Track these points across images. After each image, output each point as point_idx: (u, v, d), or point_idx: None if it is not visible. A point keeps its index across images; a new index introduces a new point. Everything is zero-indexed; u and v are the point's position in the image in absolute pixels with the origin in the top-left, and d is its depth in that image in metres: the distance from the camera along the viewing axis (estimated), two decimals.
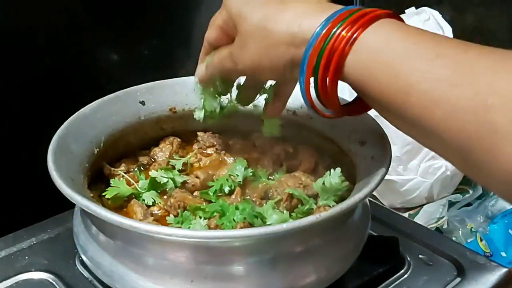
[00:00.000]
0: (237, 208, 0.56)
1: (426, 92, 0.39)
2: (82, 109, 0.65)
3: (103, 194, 0.61)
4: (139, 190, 0.63)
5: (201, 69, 0.59)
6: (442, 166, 1.11)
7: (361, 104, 0.50)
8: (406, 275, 0.66)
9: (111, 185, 0.62)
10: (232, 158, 0.70)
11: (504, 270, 0.67)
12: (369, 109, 0.51)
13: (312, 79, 0.46)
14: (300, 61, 0.46)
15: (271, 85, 0.60)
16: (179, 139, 0.73)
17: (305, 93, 0.47)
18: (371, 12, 0.44)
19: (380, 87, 0.42)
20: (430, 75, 0.39)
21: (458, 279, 0.65)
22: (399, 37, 0.42)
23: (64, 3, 0.81)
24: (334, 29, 0.43)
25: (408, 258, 0.68)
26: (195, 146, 0.73)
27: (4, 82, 0.79)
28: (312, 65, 0.45)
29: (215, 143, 0.72)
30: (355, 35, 0.43)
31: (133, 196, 0.62)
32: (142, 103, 0.71)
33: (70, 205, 0.61)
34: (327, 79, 0.45)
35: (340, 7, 0.46)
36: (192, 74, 0.75)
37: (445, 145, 0.39)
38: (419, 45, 0.41)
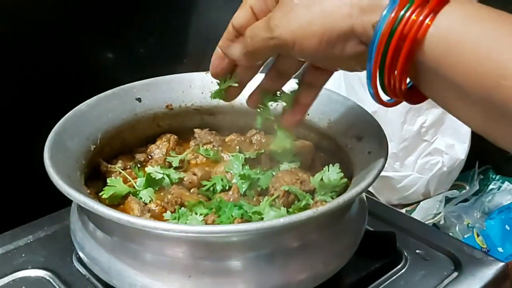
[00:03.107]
0: (235, 205, 0.56)
1: None
2: (79, 106, 0.65)
3: (100, 194, 0.60)
4: (136, 188, 0.63)
5: (217, 57, 0.51)
6: (439, 162, 1.11)
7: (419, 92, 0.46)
8: (403, 270, 0.66)
9: (107, 184, 0.61)
10: (229, 154, 0.69)
11: (501, 264, 0.67)
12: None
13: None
14: (358, 32, 0.42)
15: (291, 91, 0.56)
16: (175, 136, 0.72)
17: (371, 81, 0.43)
18: None
19: (466, 71, 0.38)
20: None
21: (455, 274, 0.66)
22: (482, 16, 0.39)
23: (61, 2, 0.81)
24: (402, 12, 0.40)
25: (405, 253, 0.68)
26: (192, 143, 0.73)
27: (0, 80, 0.78)
28: (380, 51, 0.41)
29: (212, 140, 0.72)
30: (427, 19, 0.39)
31: (130, 193, 0.62)
32: (139, 100, 0.71)
33: (67, 203, 0.61)
34: (397, 65, 0.41)
35: None
36: (188, 70, 0.75)
37: None
38: (507, 24, 0.38)
